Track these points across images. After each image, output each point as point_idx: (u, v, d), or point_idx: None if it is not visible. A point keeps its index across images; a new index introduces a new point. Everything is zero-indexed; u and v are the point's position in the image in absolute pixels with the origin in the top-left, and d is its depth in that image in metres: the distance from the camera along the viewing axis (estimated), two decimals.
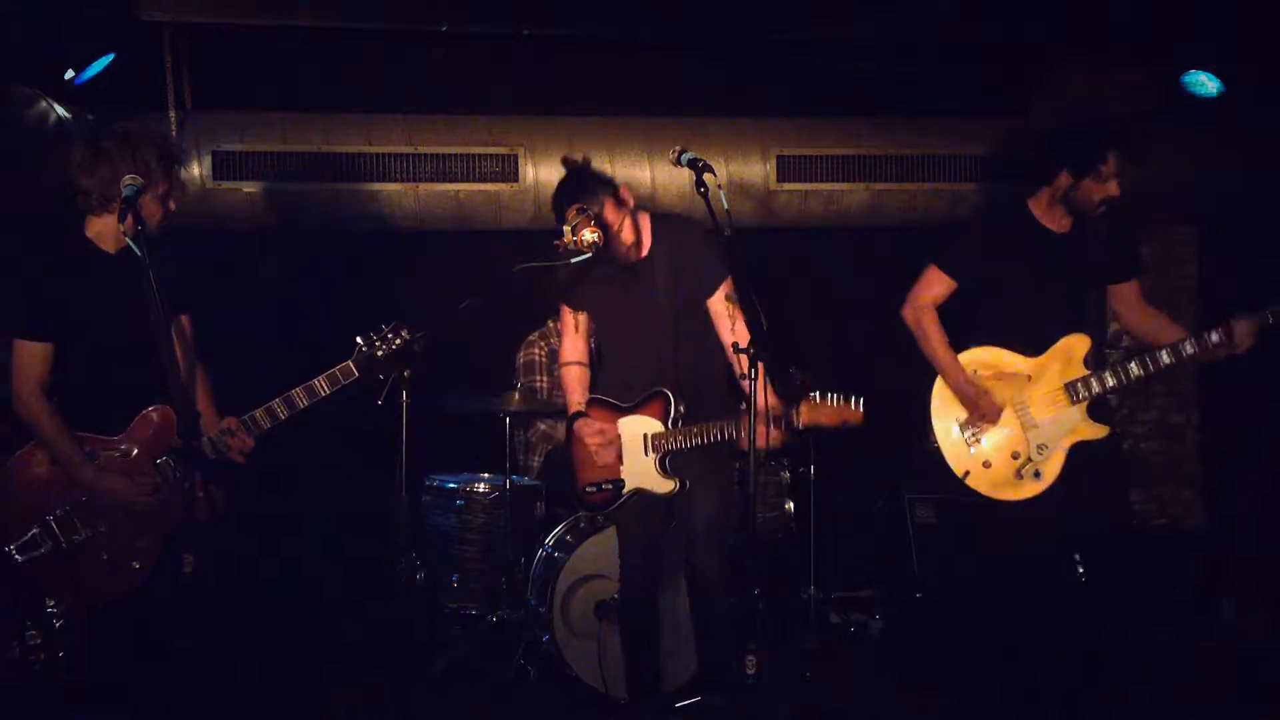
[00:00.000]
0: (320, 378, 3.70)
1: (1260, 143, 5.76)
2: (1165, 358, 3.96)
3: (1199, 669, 4.98)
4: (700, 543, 3.96)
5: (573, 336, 4.12)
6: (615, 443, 3.98)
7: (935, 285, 4.16)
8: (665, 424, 3.90)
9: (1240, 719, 4.47)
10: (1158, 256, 6.48)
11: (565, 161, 3.97)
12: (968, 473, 4.09)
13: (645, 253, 3.93)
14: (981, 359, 4.12)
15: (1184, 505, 6.50)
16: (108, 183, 3.52)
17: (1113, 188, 4.00)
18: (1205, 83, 5.62)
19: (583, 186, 3.83)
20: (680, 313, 3.89)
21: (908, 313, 4.18)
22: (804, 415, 3.73)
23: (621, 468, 3.98)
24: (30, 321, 3.60)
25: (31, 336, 3.60)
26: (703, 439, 3.82)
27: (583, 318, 4.10)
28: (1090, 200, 4.02)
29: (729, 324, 3.85)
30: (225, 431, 3.69)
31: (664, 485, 3.92)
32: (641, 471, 3.95)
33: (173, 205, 3.67)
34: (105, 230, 3.61)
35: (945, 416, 4.15)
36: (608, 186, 3.85)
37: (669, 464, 3.91)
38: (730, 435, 3.77)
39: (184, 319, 3.82)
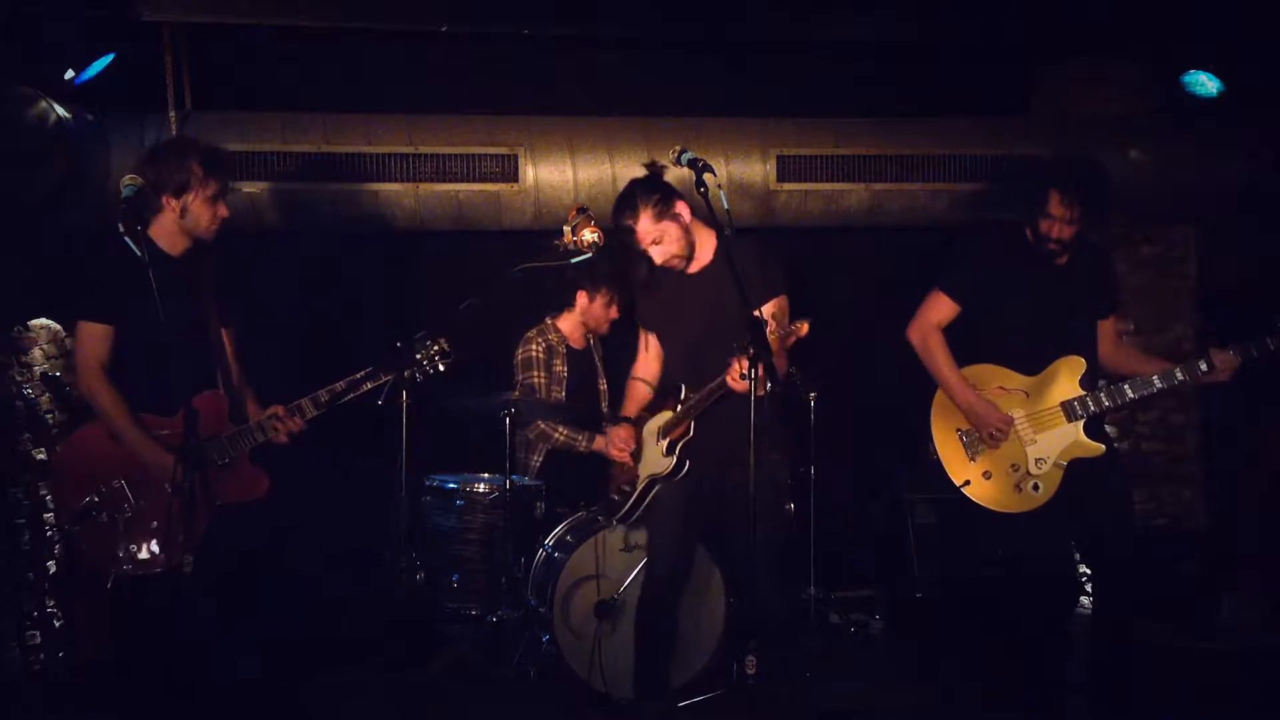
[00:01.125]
0: (363, 372, 3.91)
1: (1260, 143, 5.76)
2: (1158, 382, 4.03)
3: (1199, 667, 4.99)
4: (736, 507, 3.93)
5: (643, 355, 4.27)
6: (634, 451, 4.15)
7: (940, 309, 4.19)
8: (675, 411, 4.02)
9: (1240, 717, 4.47)
10: (1158, 256, 6.48)
11: (647, 165, 4.04)
12: (967, 482, 4.11)
13: (701, 267, 4.00)
14: (978, 375, 4.16)
15: (1184, 505, 6.49)
16: (156, 186, 3.75)
17: (1059, 229, 4.01)
18: (1205, 83, 5.62)
19: (626, 199, 3.95)
20: (718, 321, 3.87)
21: (914, 334, 4.21)
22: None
23: (639, 465, 4.13)
24: (90, 304, 3.85)
25: (90, 317, 3.84)
26: (697, 408, 3.90)
27: (654, 339, 4.22)
28: (1040, 238, 4.06)
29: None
30: (272, 417, 3.87)
31: (665, 464, 4.00)
32: (651, 459, 4.07)
33: (224, 210, 3.86)
34: (161, 231, 3.82)
35: (945, 425, 4.18)
36: (654, 199, 3.90)
37: (676, 447, 3.99)
38: (713, 392, 3.81)
39: (227, 330, 4.00)
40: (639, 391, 4.27)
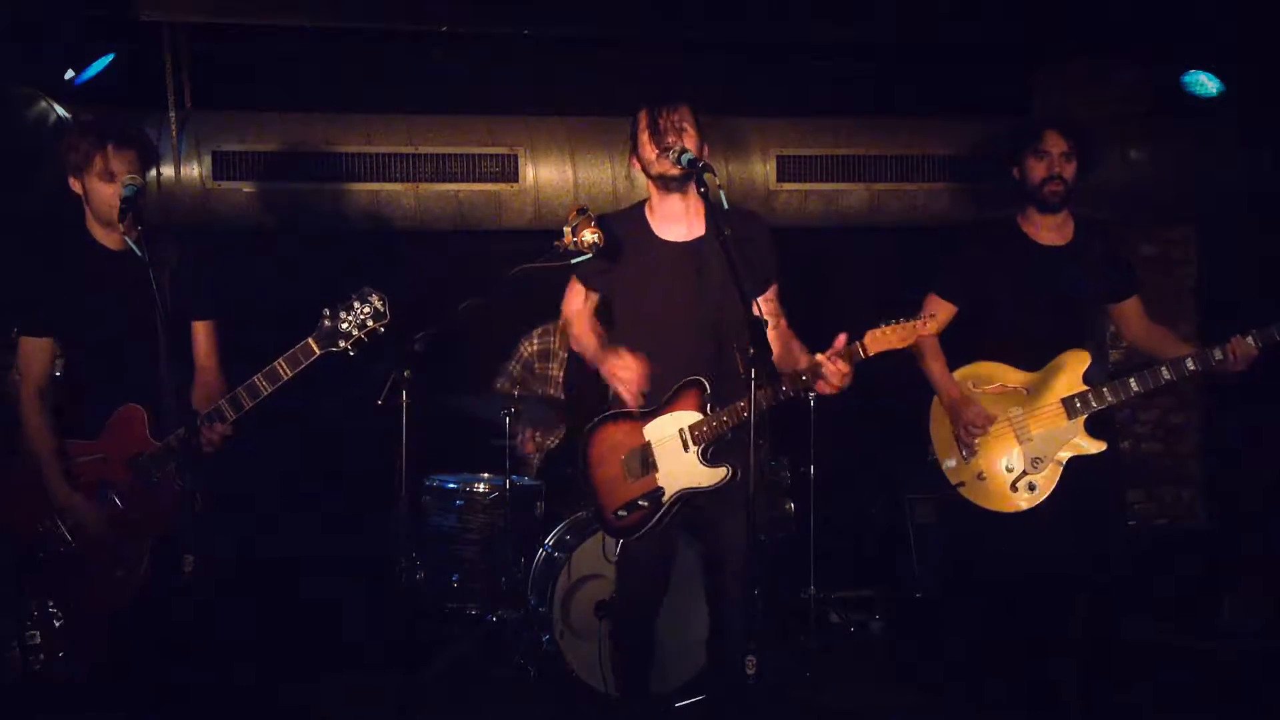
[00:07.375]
0: (281, 360, 3.51)
1: (1260, 143, 5.76)
2: (1166, 373, 3.96)
3: (1199, 668, 4.98)
4: (728, 567, 3.67)
5: (579, 302, 3.83)
6: (643, 377, 3.57)
7: (937, 312, 4.17)
8: (703, 412, 3.57)
9: (1240, 718, 4.47)
10: (1158, 256, 6.48)
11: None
12: (962, 483, 4.10)
13: (685, 238, 3.71)
14: (978, 373, 4.15)
15: (1184, 505, 6.50)
16: (64, 169, 3.51)
17: (1059, 165, 3.97)
18: (1205, 83, 5.62)
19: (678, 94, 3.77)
20: (727, 305, 3.54)
21: None
22: (870, 344, 3.59)
23: (657, 476, 3.61)
24: (28, 316, 3.64)
25: (28, 331, 3.64)
26: (737, 417, 3.48)
27: (593, 301, 3.82)
28: (1035, 182, 4.02)
29: (772, 322, 3.56)
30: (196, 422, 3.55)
31: (714, 476, 3.56)
32: (684, 470, 3.59)
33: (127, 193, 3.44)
34: (93, 223, 3.60)
35: (942, 429, 4.19)
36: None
37: (713, 453, 3.57)
38: (773, 398, 3.46)
39: (198, 325, 3.75)
40: (587, 324, 3.81)
